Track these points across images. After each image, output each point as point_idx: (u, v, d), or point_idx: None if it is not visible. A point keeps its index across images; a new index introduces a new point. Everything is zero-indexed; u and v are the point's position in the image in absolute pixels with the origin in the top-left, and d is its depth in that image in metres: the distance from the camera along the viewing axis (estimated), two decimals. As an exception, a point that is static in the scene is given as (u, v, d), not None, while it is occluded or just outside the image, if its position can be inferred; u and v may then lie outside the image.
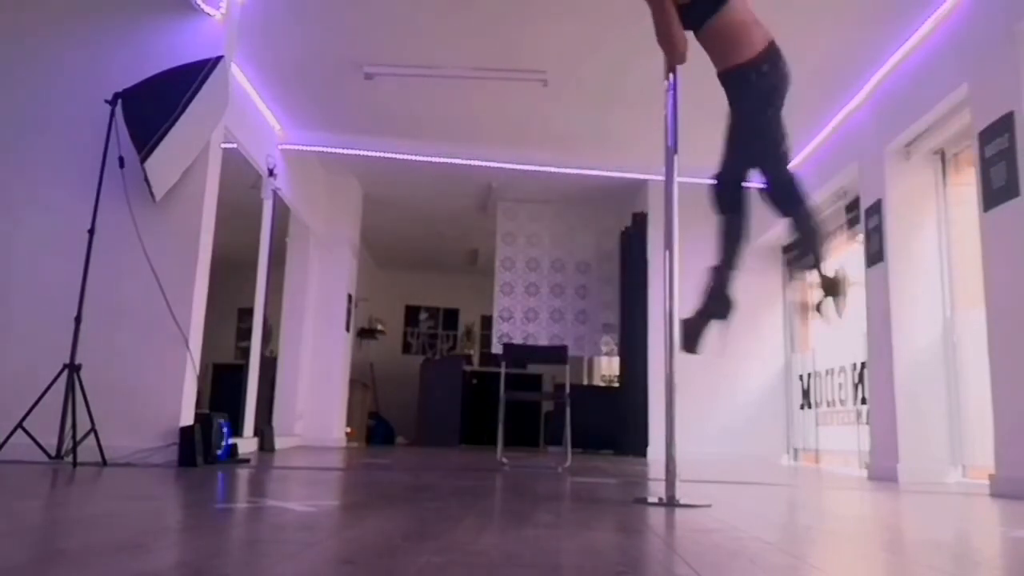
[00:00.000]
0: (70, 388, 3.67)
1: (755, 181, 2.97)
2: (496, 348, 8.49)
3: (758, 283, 7.64)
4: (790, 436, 7.58)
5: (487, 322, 10.44)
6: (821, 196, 6.55)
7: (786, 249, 6.89)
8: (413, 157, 7.28)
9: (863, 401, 5.90)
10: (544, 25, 5.11)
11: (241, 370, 6.63)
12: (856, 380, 6.13)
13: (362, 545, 1.56)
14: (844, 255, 6.58)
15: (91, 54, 4.42)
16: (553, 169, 7.44)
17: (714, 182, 2.95)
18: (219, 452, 4.27)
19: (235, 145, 5.59)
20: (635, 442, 7.61)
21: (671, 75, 2.96)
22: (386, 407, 10.92)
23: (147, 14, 4.47)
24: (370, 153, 7.31)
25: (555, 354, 5.96)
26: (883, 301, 5.16)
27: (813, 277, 3.07)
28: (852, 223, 6.25)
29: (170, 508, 2.27)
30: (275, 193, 6.49)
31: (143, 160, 4.02)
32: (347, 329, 8.22)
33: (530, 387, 10.08)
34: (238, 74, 5.60)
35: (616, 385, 9.47)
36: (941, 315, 5.03)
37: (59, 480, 2.94)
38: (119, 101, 4.09)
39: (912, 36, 4.95)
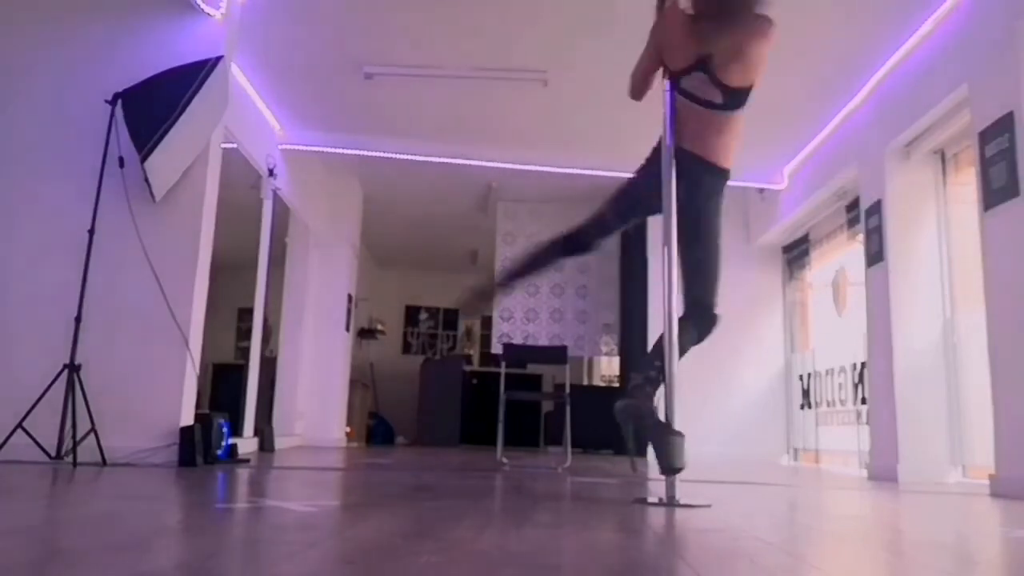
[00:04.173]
0: (70, 388, 3.67)
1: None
2: (496, 348, 8.49)
3: (758, 283, 7.64)
4: (790, 436, 7.58)
5: (487, 322, 10.44)
6: (821, 196, 6.55)
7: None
8: (413, 157, 7.27)
9: (863, 401, 5.90)
10: (544, 25, 5.11)
11: (241, 370, 6.63)
12: (856, 380, 6.13)
13: (362, 545, 1.56)
14: (844, 255, 6.59)
15: (91, 54, 4.41)
16: (553, 169, 7.43)
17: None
18: (219, 452, 4.27)
19: (235, 145, 5.59)
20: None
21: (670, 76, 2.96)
22: (386, 407, 10.91)
23: (147, 14, 4.46)
24: (370, 153, 7.30)
25: (555, 354, 5.96)
26: (883, 301, 5.16)
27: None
28: (852, 223, 6.24)
29: (170, 508, 2.27)
30: (275, 193, 6.49)
31: (143, 160, 4.02)
32: (347, 329, 8.22)
33: (530, 387, 10.08)
34: (238, 74, 5.60)
35: (616, 385, 9.48)
36: (941, 315, 5.03)
37: (59, 480, 2.94)
38: (119, 101, 4.09)
39: (912, 36, 4.95)
